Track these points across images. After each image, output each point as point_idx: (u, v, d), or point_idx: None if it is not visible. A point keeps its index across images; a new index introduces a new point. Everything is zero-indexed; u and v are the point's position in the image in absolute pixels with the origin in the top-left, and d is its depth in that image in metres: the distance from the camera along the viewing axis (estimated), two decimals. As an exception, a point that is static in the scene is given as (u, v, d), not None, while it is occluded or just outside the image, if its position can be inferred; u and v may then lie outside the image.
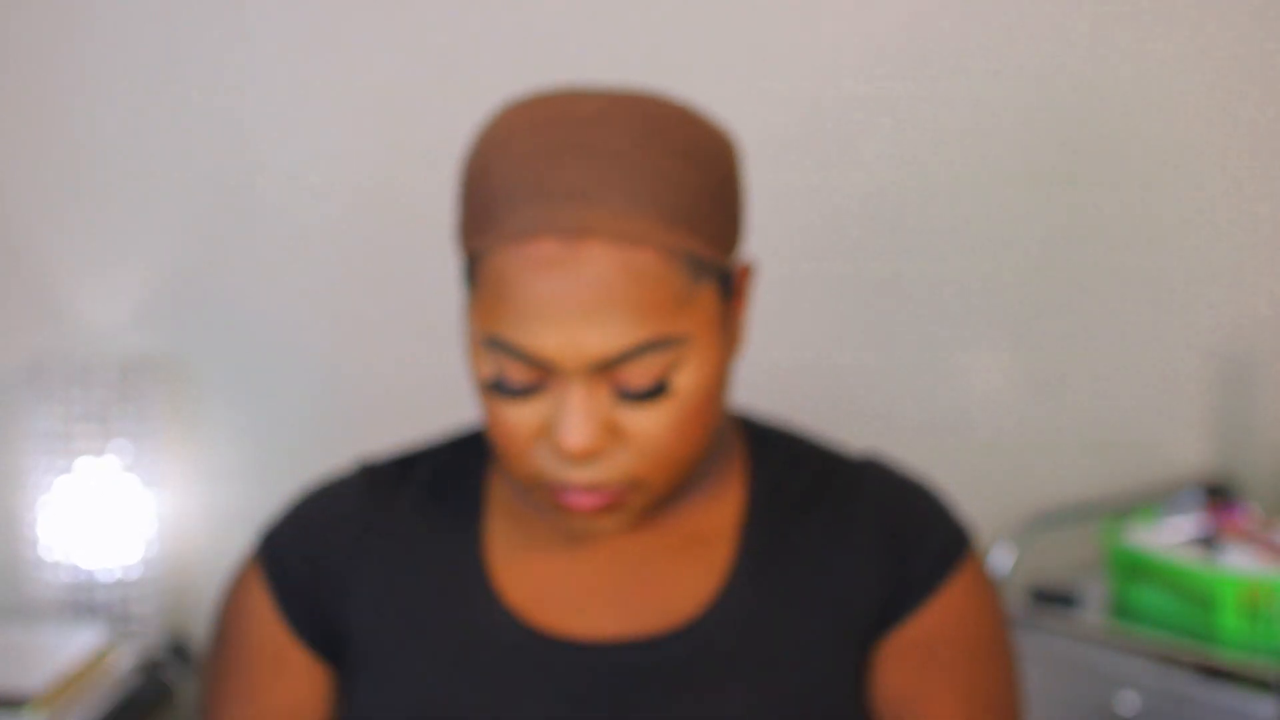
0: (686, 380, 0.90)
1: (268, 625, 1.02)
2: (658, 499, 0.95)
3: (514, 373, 0.90)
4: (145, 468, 1.74)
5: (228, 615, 1.04)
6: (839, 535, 1.00)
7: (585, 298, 0.86)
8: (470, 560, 1.00)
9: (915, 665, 0.98)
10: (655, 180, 0.88)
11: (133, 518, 1.73)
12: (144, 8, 1.79)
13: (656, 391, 0.90)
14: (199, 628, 1.81)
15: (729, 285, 0.94)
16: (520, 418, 0.91)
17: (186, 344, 1.82)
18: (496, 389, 0.91)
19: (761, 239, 1.91)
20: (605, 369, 0.88)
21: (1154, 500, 1.94)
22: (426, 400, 1.84)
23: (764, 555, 0.99)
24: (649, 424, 0.90)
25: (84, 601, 1.71)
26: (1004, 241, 1.96)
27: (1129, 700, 1.58)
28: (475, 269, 0.91)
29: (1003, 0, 1.92)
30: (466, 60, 1.82)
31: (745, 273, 0.97)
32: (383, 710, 0.98)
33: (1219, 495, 1.93)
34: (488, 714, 0.95)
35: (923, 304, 1.95)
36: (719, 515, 1.01)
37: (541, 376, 0.90)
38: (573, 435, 0.89)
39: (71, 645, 1.58)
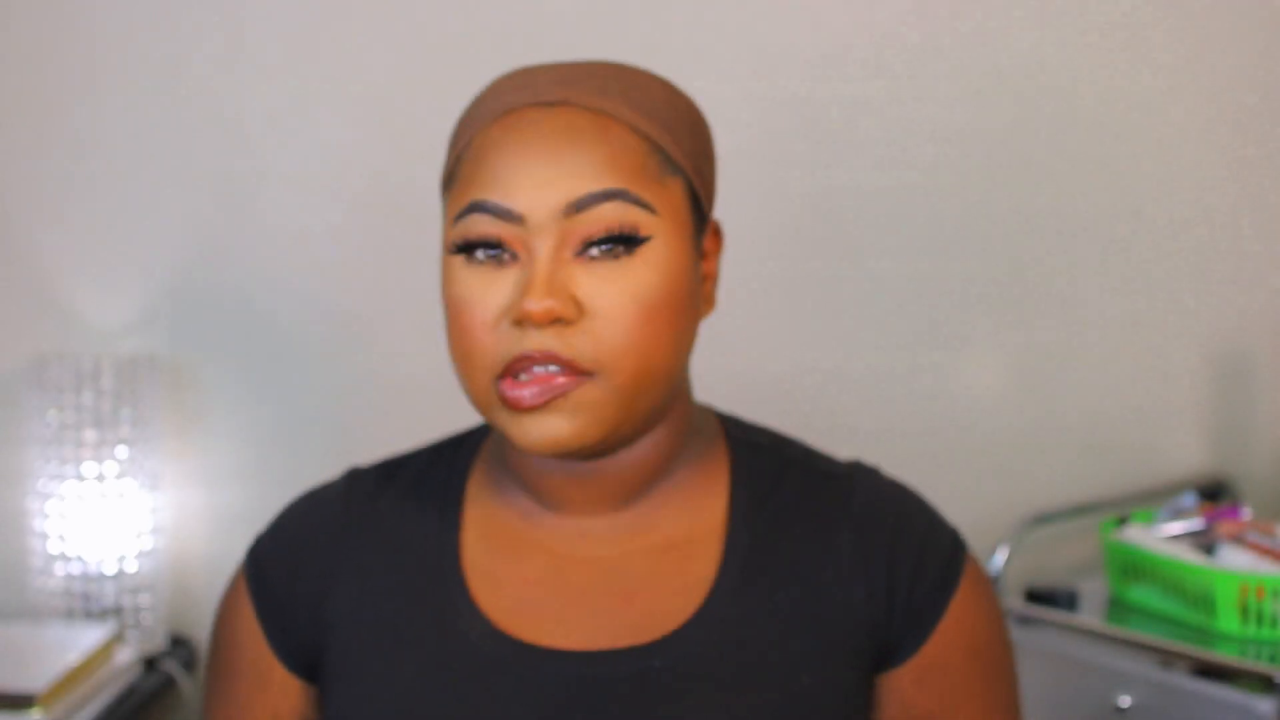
0: (651, 264, 0.91)
1: (250, 640, 1.03)
2: (617, 414, 0.92)
3: (484, 227, 0.91)
4: (146, 468, 1.74)
5: (218, 626, 1.06)
6: (826, 547, 0.99)
7: (559, 145, 0.91)
8: (448, 568, 0.99)
9: (936, 685, 0.98)
10: (630, 87, 0.95)
11: (134, 517, 1.73)
12: (145, 9, 1.79)
13: (623, 241, 0.90)
14: (200, 625, 1.81)
15: (701, 216, 0.97)
16: (484, 296, 0.91)
17: (186, 344, 1.82)
18: (465, 250, 0.92)
19: (755, 240, 1.92)
20: (574, 216, 0.90)
21: (1151, 501, 1.94)
22: (426, 401, 1.84)
23: (748, 565, 0.98)
24: (611, 298, 0.90)
25: (86, 600, 1.71)
26: (1000, 243, 1.97)
27: (1127, 699, 1.59)
28: (457, 171, 0.95)
29: (1005, 4, 1.93)
30: (466, 60, 1.82)
31: (715, 232, 1.00)
32: (359, 718, 0.97)
33: (1216, 496, 1.94)
34: None
35: (918, 305, 1.95)
36: (701, 521, 1.00)
37: (510, 239, 0.91)
38: (536, 292, 0.89)
39: (75, 643, 1.58)
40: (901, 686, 0.99)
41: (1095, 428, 2.01)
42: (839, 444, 1.11)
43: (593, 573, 0.98)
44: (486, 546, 1.00)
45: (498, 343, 0.91)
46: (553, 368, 0.90)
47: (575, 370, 0.90)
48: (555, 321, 0.89)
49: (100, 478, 1.71)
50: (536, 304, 0.89)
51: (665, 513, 1.00)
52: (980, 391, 1.98)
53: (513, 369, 0.90)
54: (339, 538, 1.03)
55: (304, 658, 1.02)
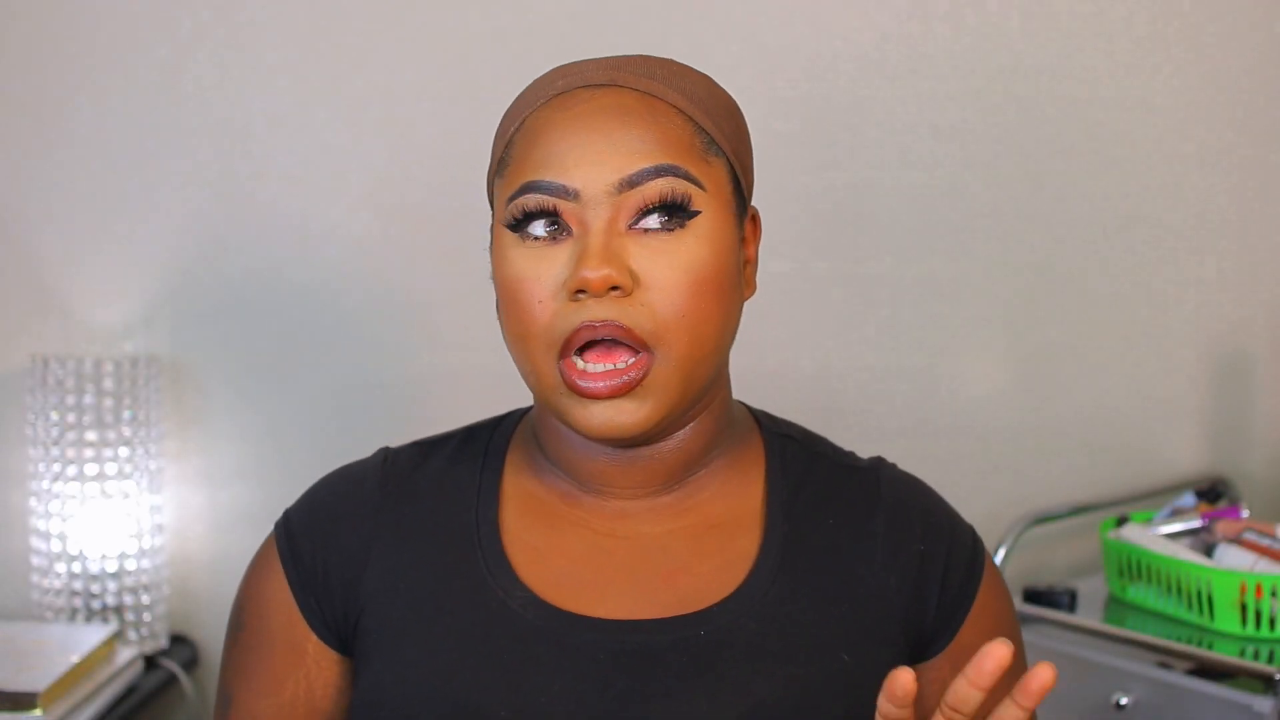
0: (702, 238, 0.93)
1: (283, 613, 1.03)
2: (677, 392, 0.94)
3: (539, 202, 0.93)
4: (146, 467, 1.75)
5: (247, 600, 1.05)
6: (860, 535, 1.02)
7: (610, 123, 0.93)
8: (488, 539, 1.00)
9: None
10: (672, 74, 0.98)
11: (134, 517, 1.74)
12: (145, 9, 1.79)
13: (675, 211, 0.92)
14: (201, 624, 1.82)
15: (742, 200, 0.99)
16: (539, 272, 0.93)
17: (186, 344, 1.83)
18: (518, 227, 0.94)
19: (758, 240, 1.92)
20: (625, 192, 0.92)
21: (1150, 500, 1.95)
22: (426, 400, 1.85)
23: (788, 547, 1.00)
24: (664, 270, 0.92)
25: (87, 599, 1.72)
26: (1000, 243, 1.97)
27: (1126, 698, 1.59)
28: (507, 156, 0.96)
29: (1004, 3, 1.93)
30: (466, 60, 1.83)
31: (754, 218, 1.03)
32: (399, 686, 0.97)
33: (1214, 495, 1.94)
34: (505, 690, 0.95)
35: (919, 306, 1.95)
36: (740, 505, 1.02)
37: (565, 212, 0.93)
38: (593, 261, 0.90)
39: (76, 643, 1.59)
40: (942, 676, 1.02)
41: (1094, 428, 2.02)
42: (837, 443, 1.12)
43: (634, 549, 1.00)
44: (526, 522, 1.02)
45: (556, 317, 0.92)
46: (612, 341, 0.91)
47: (635, 341, 0.92)
48: (612, 290, 0.91)
49: (101, 478, 1.71)
50: (594, 272, 0.90)
51: (704, 497, 1.02)
52: (980, 391, 1.98)
53: (574, 342, 0.92)
54: (375, 511, 1.03)
55: (338, 630, 1.02)
